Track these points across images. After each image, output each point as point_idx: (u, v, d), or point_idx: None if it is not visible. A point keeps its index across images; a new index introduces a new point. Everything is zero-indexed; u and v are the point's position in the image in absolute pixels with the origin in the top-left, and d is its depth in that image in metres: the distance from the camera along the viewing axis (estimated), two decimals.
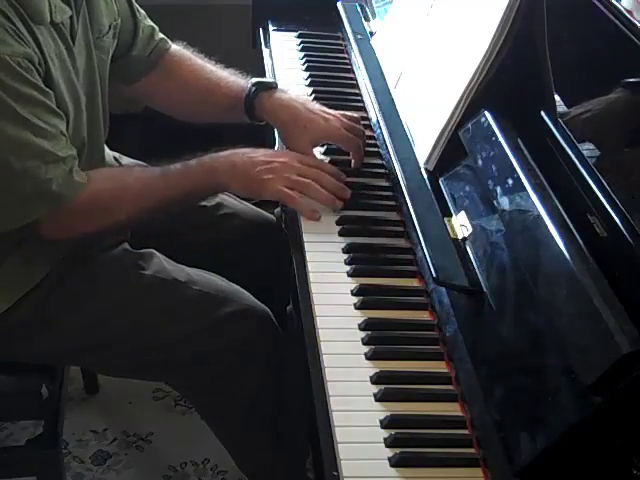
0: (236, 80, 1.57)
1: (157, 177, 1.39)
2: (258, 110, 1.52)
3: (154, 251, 1.47)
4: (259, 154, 1.38)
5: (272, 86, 1.53)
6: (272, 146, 1.51)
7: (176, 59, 1.61)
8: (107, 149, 1.57)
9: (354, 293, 1.22)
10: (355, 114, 1.50)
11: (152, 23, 1.60)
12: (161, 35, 1.61)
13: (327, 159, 1.47)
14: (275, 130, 1.51)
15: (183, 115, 1.64)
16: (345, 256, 1.28)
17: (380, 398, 1.06)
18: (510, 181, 1.11)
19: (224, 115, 1.60)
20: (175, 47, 1.63)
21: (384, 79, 1.56)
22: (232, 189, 1.42)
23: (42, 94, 1.26)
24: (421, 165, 1.33)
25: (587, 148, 1.14)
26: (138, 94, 1.63)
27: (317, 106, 1.49)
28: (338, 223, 1.34)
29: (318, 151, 1.48)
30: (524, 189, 1.08)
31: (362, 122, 1.54)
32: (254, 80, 1.54)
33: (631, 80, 1.12)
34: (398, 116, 1.45)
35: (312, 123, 1.44)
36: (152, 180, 1.39)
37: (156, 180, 1.39)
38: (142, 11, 1.58)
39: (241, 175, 1.36)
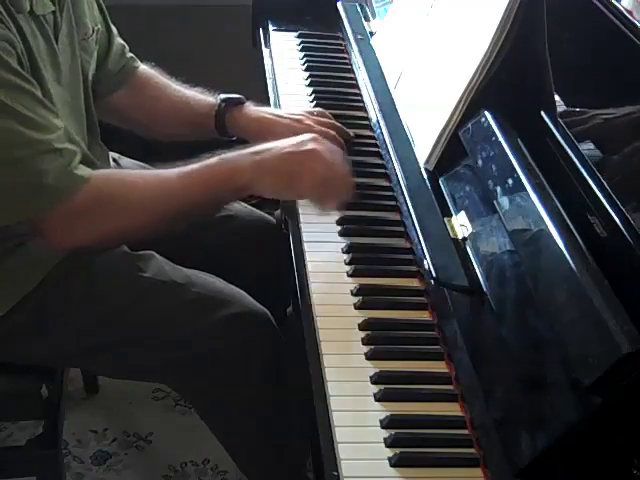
0: (204, 98, 1.58)
1: (173, 179, 1.29)
2: (229, 126, 1.54)
3: (153, 253, 1.47)
4: (285, 145, 1.30)
5: (241, 101, 1.55)
6: None
7: (144, 77, 1.61)
8: (106, 149, 1.57)
9: (354, 293, 1.22)
10: (319, 109, 1.53)
11: (122, 42, 1.60)
12: (130, 54, 1.61)
13: None
14: None
15: (150, 131, 1.62)
16: (345, 256, 1.28)
17: (380, 398, 1.06)
18: (510, 181, 1.12)
19: (193, 132, 1.59)
20: (143, 67, 1.63)
21: (384, 79, 1.56)
22: (258, 189, 1.29)
23: (26, 82, 1.20)
24: (421, 165, 1.33)
25: (587, 148, 1.14)
26: (105, 110, 1.59)
27: (284, 112, 1.52)
28: (338, 223, 1.34)
29: None
30: (524, 189, 1.08)
31: (362, 122, 1.55)
32: (222, 96, 1.56)
33: (631, 80, 1.12)
34: (398, 116, 1.45)
35: (287, 128, 1.46)
36: (167, 182, 1.30)
37: (172, 182, 1.29)
38: (114, 28, 1.57)
39: (269, 173, 1.28)
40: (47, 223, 1.27)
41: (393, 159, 1.37)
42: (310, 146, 1.29)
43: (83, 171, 1.27)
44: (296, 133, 1.37)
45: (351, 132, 1.52)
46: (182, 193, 1.29)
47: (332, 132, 1.46)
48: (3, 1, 1.21)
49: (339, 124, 1.51)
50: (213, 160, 1.30)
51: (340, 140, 1.45)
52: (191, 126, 1.59)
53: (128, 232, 1.33)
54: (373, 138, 1.53)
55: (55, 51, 1.32)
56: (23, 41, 1.23)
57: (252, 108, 1.54)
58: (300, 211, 1.36)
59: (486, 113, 1.23)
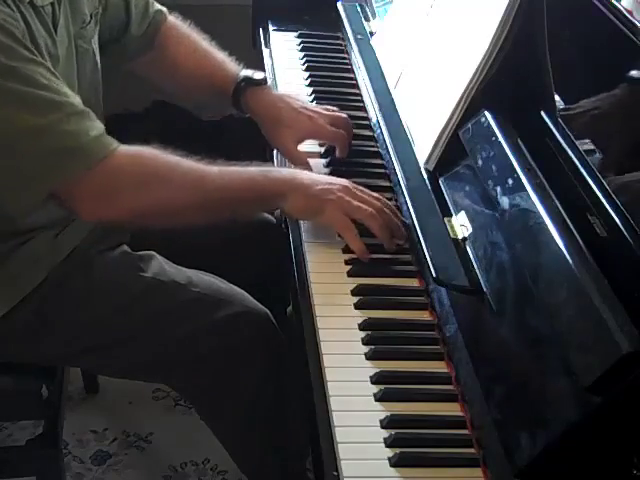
0: (227, 68, 1.57)
1: (214, 170, 1.29)
2: (243, 105, 1.54)
3: (154, 253, 1.47)
4: (317, 175, 1.34)
5: (260, 83, 1.54)
6: (272, 149, 1.52)
7: (171, 36, 1.60)
8: None
9: (354, 293, 1.22)
10: (336, 108, 1.52)
11: None
12: (157, 7, 1.59)
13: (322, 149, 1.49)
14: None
15: (174, 94, 1.65)
16: (345, 256, 1.28)
17: (380, 398, 1.06)
18: (510, 181, 1.12)
19: (212, 100, 1.61)
20: (172, 20, 1.61)
21: (384, 79, 1.56)
22: (289, 203, 1.30)
23: (38, 56, 1.21)
24: (421, 165, 1.33)
25: (587, 148, 1.14)
26: (134, 68, 1.61)
27: (301, 104, 1.51)
28: None
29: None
30: (524, 189, 1.08)
31: (362, 122, 1.55)
32: (243, 74, 1.55)
33: (631, 80, 1.12)
34: (398, 116, 1.45)
35: (297, 123, 1.46)
36: (209, 171, 1.29)
37: (213, 173, 1.29)
38: None
39: (302, 189, 1.29)
40: (79, 191, 1.24)
41: (393, 159, 1.37)
42: (344, 183, 1.30)
43: (112, 139, 1.26)
44: (307, 130, 1.44)
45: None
46: (221, 185, 1.29)
47: (342, 135, 1.46)
48: None
49: (350, 124, 1.50)
50: (254, 167, 1.32)
51: (346, 146, 1.46)
52: (210, 95, 1.59)
53: (163, 211, 1.30)
54: (373, 138, 1.53)
55: (55, 42, 1.32)
56: (26, 27, 1.23)
57: (271, 94, 1.52)
58: None
59: (486, 113, 1.23)
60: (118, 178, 1.25)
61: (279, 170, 1.35)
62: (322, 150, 1.50)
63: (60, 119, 1.20)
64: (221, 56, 1.59)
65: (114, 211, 1.27)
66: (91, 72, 1.45)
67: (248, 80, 1.53)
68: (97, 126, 1.24)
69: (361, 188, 1.31)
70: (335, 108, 1.52)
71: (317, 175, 1.35)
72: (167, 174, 1.28)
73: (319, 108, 1.50)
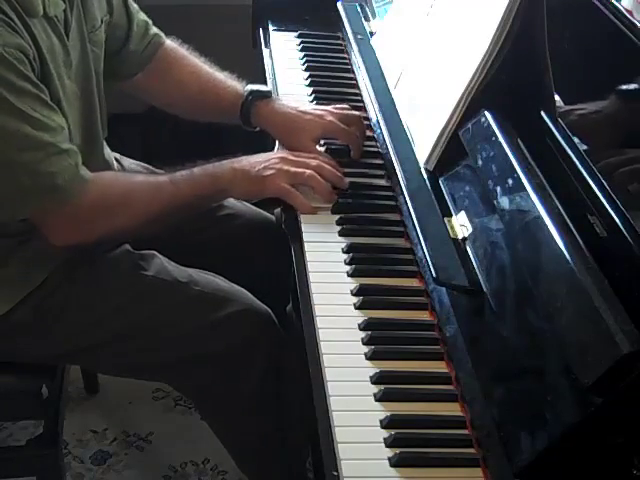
0: (232, 85, 1.59)
1: (166, 182, 1.39)
2: (254, 118, 1.55)
3: (155, 253, 1.47)
4: (256, 157, 1.41)
5: (267, 95, 1.56)
6: (272, 149, 1.52)
7: (172, 56, 1.62)
8: (108, 149, 1.57)
9: (354, 293, 1.22)
10: (346, 105, 1.53)
11: (146, 17, 1.60)
12: (155, 30, 1.61)
13: (323, 149, 1.49)
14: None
15: (179, 113, 1.66)
16: (345, 256, 1.28)
17: (380, 398, 1.06)
18: (510, 181, 1.12)
19: (219, 118, 1.63)
20: (170, 43, 1.63)
21: (384, 79, 1.56)
22: (234, 194, 1.45)
23: (36, 88, 1.25)
24: (421, 165, 1.33)
25: (587, 148, 1.14)
26: (136, 90, 1.64)
27: (309, 106, 1.54)
28: (338, 223, 1.34)
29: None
30: (524, 189, 1.08)
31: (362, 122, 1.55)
32: (249, 88, 1.56)
33: (631, 80, 1.12)
34: (398, 116, 1.45)
35: (309, 123, 1.47)
36: (161, 185, 1.39)
37: (165, 185, 1.38)
38: (135, 5, 1.58)
39: (241, 178, 1.38)
40: (53, 222, 1.32)
41: (393, 159, 1.37)
42: (279, 155, 1.40)
43: (85, 171, 1.32)
44: (319, 129, 1.46)
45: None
46: (172, 197, 1.38)
47: (353, 131, 1.47)
48: (15, 7, 1.23)
49: (362, 120, 1.51)
50: (197, 169, 1.40)
51: (359, 143, 1.47)
52: (216, 113, 1.61)
53: (125, 231, 1.40)
54: (373, 138, 1.53)
55: (67, 48, 1.34)
56: (35, 45, 1.26)
57: (278, 102, 1.55)
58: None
59: (486, 113, 1.23)
60: (89, 211, 1.34)
61: (221, 165, 1.40)
62: (322, 150, 1.49)
63: (42, 159, 1.25)
64: (222, 74, 1.62)
65: (84, 238, 1.36)
66: (101, 75, 1.47)
67: (255, 93, 1.55)
68: (75, 162, 1.30)
69: (297, 153, 1.42)
70: (346, 106, 1.53)
71: (255, 156, 1.41)
72: (129, 197, 1.38)
73: (329, 107, 1.51)
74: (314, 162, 1.38)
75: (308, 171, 1.36)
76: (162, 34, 1.62)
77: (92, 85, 1.43)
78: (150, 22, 1.61)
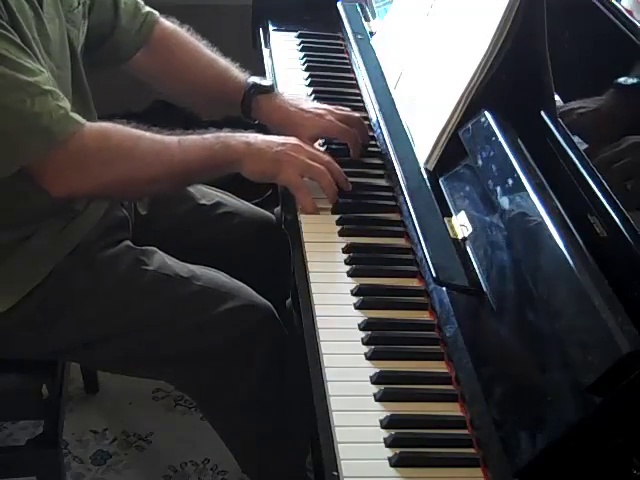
0: (235, 76, 1.58)
1: (174, 143, 1.34)
2: (254, 111, 1.54)
3: (155, 249, 1.48)
4: (271, 137, 1.39)
5: (269, 90, 1.55)
6: None
7: (174, 41, 1.60)
8: None
9: (354, 293, 1.22)
10: (348, 109, 1.52)
11: None
12: (147, 8, 1.59)
13: (323, 148, 1.48)
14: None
15: (183, 100, 1.66)
16: (345, 256, 1.28)
17: (380, 398, 1.06)
18: (510, 181, 1.11)
19: (220, 108, 1.64)
20: (168, 24, 1.61)
21: (384, 79, 1.56)
22: (245, 169, 1.36)
23: (9, 32, 1.21)
24: (421, 165, 1.33)
25: (587, 148, 1.14)
26: (140, 74, 1.62)
27: (310, 104, 1.53)
28: (338, 223, 1.34)
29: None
30: (524, 189, 1.08)
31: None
32: (251, 81, 1.55)
33: (631, 80, 1.12)
34: (398, 116, 1.45)
35: (308, 121, 1.47)
36: (169, 144, 1.34)
37: (173, 145, 1.34)
38: None
39: (257, 155, 1.34)
40: (46, 169, 1.28)
41: (393, 159, 1.37)
42: (295, 140, 1.38)
43: (77, 116, 1.28)
44: (318, 127, 1.45)
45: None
46: (182, 156, 1.33)
47: (353, 131, 1.47)
48: None
49: (363, 123, 1.51)
50: (210, 135, 1.36)
51: (358, 143, 1.47)
52: (217, 102, 1.61)
53: (129, 184, 1.35)
54: (373, 138, 1.53)
55: (41, 17, 1.31)
56: (4, 4, 1.23)
57: (279, 98, 1.54)
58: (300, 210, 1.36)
59: (486, 113, 1.23)
60: (83, 156, 1.29)
61: (234, 136, 1.37)
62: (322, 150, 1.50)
63: (23, 99, 1.21)
64: (225, 62, 1.60)
65: (81, 186, 1.31)
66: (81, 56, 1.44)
67: (257, 87, 1.55)
68: (62, 105, 1.26)
69: (309, 143, 1.40)
70: (347, 109, 1.52)
71: (270, 137, 1.38)
72: (131, 149, 1.32)
73: (330, 107, 1.51)
74: (326, 157, 1.37)
75: (322, 167, 1.35)
76: (156, 12, 1.60)
77: (67, 62, 1.39)
78: (141, 1, 1.59)
